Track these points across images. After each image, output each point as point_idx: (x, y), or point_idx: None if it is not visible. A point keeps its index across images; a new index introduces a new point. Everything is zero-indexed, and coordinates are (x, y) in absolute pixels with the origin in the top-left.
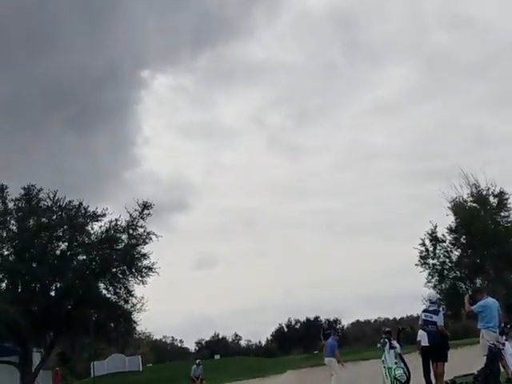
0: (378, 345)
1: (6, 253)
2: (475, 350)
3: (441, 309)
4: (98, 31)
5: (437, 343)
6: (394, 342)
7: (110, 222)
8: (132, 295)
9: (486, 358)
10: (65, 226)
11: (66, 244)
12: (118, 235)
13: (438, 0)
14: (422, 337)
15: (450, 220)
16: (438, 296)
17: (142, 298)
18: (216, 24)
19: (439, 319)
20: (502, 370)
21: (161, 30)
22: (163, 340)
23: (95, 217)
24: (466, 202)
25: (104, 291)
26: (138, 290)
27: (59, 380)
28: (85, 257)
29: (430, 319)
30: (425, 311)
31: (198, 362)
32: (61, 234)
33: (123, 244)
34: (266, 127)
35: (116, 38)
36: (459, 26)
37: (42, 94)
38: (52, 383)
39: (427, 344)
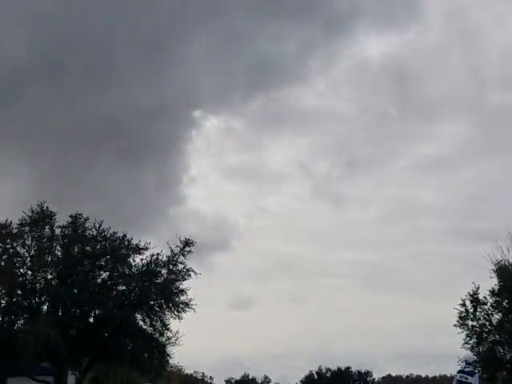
0: None
1: (49, 277)
2: None
3: (476, 371)
4: (153, 68)
5: None
6: None
7: (152, 255)
8: (167, 329)
9: None
10: (107, 256)
11: (108, 273)
12: (158, 269)
13: (496, 56)
14: None
15: (493, 283)
16: (475, 358)
17: (177, 332)
18: (271, 68)
19: (475, 381)
20: None
21: (216, 71)
22: (194, 375)
23: (138, 249)
24: (511, 265)
25: (141, 322)
26: (173, 324)
27: None
28: (124, 287)
29: (464, 380)
30: (460, 372)
31: None
32: (103, 263)
33: (162, 278)
34: (312, 175)
35: (171, 77)
36: None
37: (95, 128)
38: None
39: None
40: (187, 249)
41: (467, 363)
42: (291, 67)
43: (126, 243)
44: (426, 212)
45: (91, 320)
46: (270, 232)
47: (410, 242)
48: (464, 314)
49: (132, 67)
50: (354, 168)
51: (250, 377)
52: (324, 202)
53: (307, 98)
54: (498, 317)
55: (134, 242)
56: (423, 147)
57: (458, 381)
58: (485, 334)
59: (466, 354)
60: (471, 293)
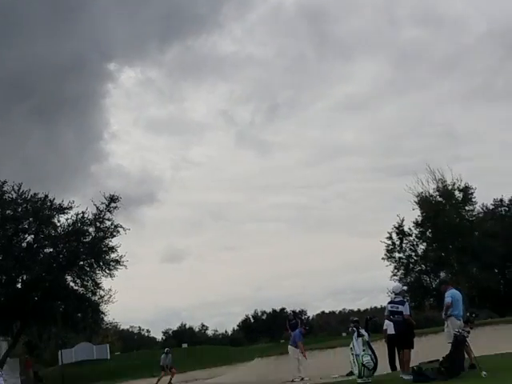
0: (343, 334)
1: None
2: (439, 338)
3: (406, 300)
4: (62, 22)
5: (403, 332)
6: (362, 331)
7: (77, 214)
8: (100, 287)
9: (451, 345)
10: (30, 219)
11: (33, 236)
12: (85, 228)
13: None
14: (389, 326)
15: (417, 214)
16: (404, 288)
17: (110, 290)
18: (186, 16)
19: (405, 309)
20: (466, 356)
21: (127, 22)
22: (130, 330)
23: (61, 209)
24: (432, 196)
25: (71, 284)
26: (105, 282)
27: (29, 366)
28: (51, 249)
29: (396, 309)
30: (391, 302)
31: (166, 350)
32: (26, 226)
33: (90, 237)
34: (235, 122)
35: (81, 30)
36: (430, 22)
37: (3, 89)
38: (23, 369)
39: (393, 333)
40: (113, 205)
41: (396, 294)
42: (206, 14)
43: (49, 204)
44: (350, 152)
45: (19, 286)
46: (197, 182)
47: (335, 182)
48: (391, 247)
49: (39, 22)
50: (275, 113)
51: (187, 326)
52: (249, 149)
53: (224, 44)
54: (422, 247)
55: (57, 201)
56: (343, 87)
57: (390, 311)
58: (411, 265)
59: (395, 285)
60: (397, 226)
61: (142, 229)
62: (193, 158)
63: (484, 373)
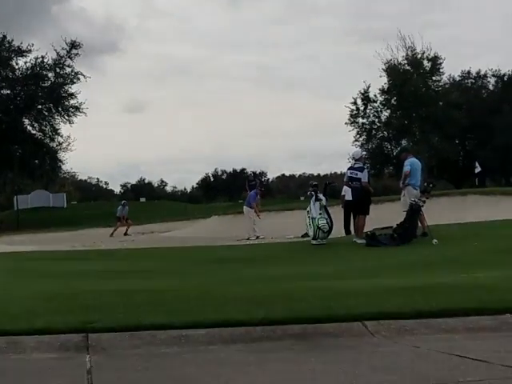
0: (302, 197)
1: None
2: (395, 207)
3: (365, 166)
4: None
5: (360, 198)
6: (321, 195)
7: (36, 58)
8: (58, 134)
9: (405, 213)
10: None
11: None
12: (45, 73)
13: None
14: (346, 192)
15: (383, 81)
16: (363, 154)
17: (69, 137)
18: None
19: (363, 176)
20: (419, 224)
21: None
22: (88, 181)
23: (20, 52)
24: (400, 64)
25: (29, 128)
26: (64, 129)
27: None
28: (9, 91)
29: (354, 176)
30: (350, 168)
31: (123, 202)
32: None
33: (50, 82)
34: None
35: None
36: None
37: None
38: None
39: (350, 199)
40: (74, 51)
41: (356, 160)
42: None
43: (7, 45)
44: (322, 12)
45: None
46: (163, 34)
47: (305, 42)
48: (355, 112)
49: None
50: None
51: (146, 181)
52: (218, 1)
53: None
54: (386, 114)
55: (16, 43)
56: None
57: (349, 177)
58: (374, 131)
59: (355, 151)
60: (362, 91)
61: (104, 78)
62: (159, 6)
63: (435, 240)
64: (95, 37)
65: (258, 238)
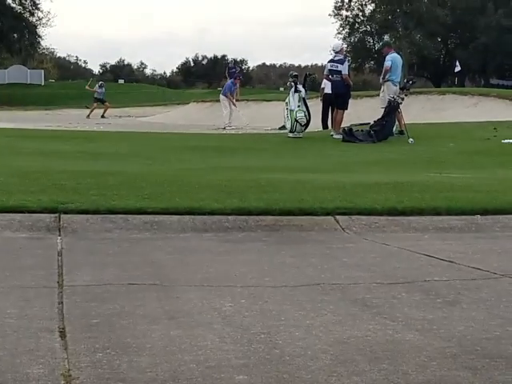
0: (281, 88)
1: None
2: (373, 103)
3: (346, 59)
4: None
5: (339, 92)
6: (300, 87)
7: None
8: (38, 8)
9: (383, 110)
10: None
11: None
12: None
13: None
14: (326, 85)
15: None
16: (344, 46)
17: (49, 13)
18: None
19: (344, 68)
20: (396, 122)
21: None
22: (67, 59)
23: None
24: None
25: (9, 0)
26: (45, 4)
27: None
28: None
29: (335, 68)
30: (330, 61)
31: (100, 83)
32: None
33: None
34: None
35: None
36: None
37: None
38: None
39: (330, 92)
40: None
41: (336, 52)
42: None
43: None
44: None
45: None
46: None
47: None
48: (339, 4)
49: None
50: None
51: (126, 63)
52: None
53: None
54: (371, 8)
55: None
56: None
57: (329, 70)
58: (357, 25)
59: (335, 43)
60: None
61: None
62: None
63: (411, 139)
64: None
65: (231, 127)
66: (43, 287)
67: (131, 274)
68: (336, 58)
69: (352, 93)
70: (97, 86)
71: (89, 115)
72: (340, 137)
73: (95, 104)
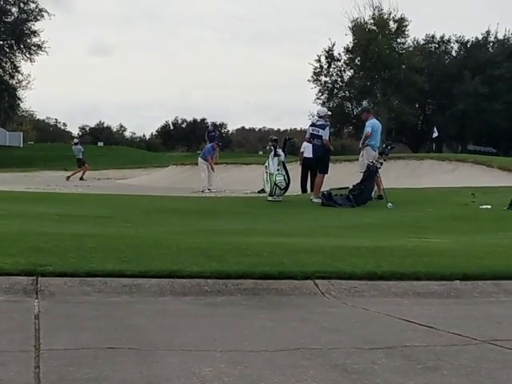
0: (260, 152)
1: None
2: (352, 167)
3: (327, 124)
4: None
5: (320, 156)
6: (279, 151)
7: None
8: (18, 71)
9: (362, 174)
10: None
11: None
12: (8, 7)
13: None
14: (306, 148)
15: (349, 40)
16: (328, 113)
17: (29, 75)
18: None
19: (325, 134)
20: (375, 187)
21: None
22: (46, 121)
23: None
24: (366, 23)
25: None
26: (25, 67)
27: None
28: None
29: (316, 133)
30: (312, 125)
31: (75, 141)
32: None
33: (13, 17)
34: None
35: None
36: None
37: None
38: None
39: (310, 156)
40: None
41: (319, 117)
42: None
43: None
44: None
45: None
46: None
47: None
48: (318, 70)
49: None
50: None
51: (106, 125)
52: None
53: None
54: (349, 74)
55: None
56: None
57: (311, 134)
58: (336, 90)
59: (320, 108)
60: (327, 49)
61: (71, 16)
62: None
63: (390, 204)
64: None
65: (210, 190)
66: (19, 351)
67: (109, 338)
68: (318, 123)
69: (331, 157)
70: (76, 146)
71: (69, 177)
72: (319, 201)
73: (78, 168)
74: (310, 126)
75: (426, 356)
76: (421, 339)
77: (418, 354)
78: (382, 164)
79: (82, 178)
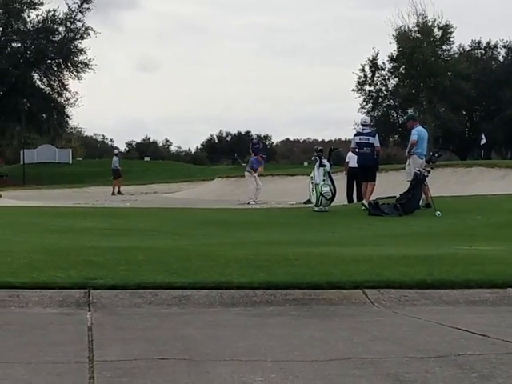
0: (305, 163)
1: None
2: (399, 176)
3: (376, 132)
4: None
5: (369, 164)
6: (325, 161)
7: (48, 12)
8: (66, 89)
9: (410, 183)
10: (0, 10)
11: (1, 29)
12: (55, 27)
13: None
14: (351, 158)
15: (393, 49)
16: (370, 121)
17: (77, 93)
18: None
19: (376, 141)
20: (423, 195)
21: None
22: (94, 137)
23: (32, 4)
24: (410, 31)
25: (38, 82)
26: (73, 84)
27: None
28: (19, 45)
29: (366, 141)
30: (359, 134)
31: (115, 152)
32: None
33: (60, 36)
34: None
35: None
36: None
37: None
38: None
39: (355, 166)
40: (85, 6)
41: (365, 125)
42: None
43: None
44: None
45: None
46: None
47: (316, 6)
48: (362, 80)
49: None
50: None
51: (151, 140)
52: None
53: None
54: (394, 82)
55: None
56: None
57: (358, 143)
58: (380, 99)
59: (364, 117)
60: (371, 58)
61: (119, 34)
62: None
63: (438, 212)
64: None
65: (255, 202)
66: (74, 362)
67: (161, 349)
68: (365, 131)
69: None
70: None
71: (114, 191)
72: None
73: (115, 180)
74: (356, 135)
75: (481, 365)
76: (474, 348)
77: (471, 363)
78: (429, 172)
79: (119, 193)
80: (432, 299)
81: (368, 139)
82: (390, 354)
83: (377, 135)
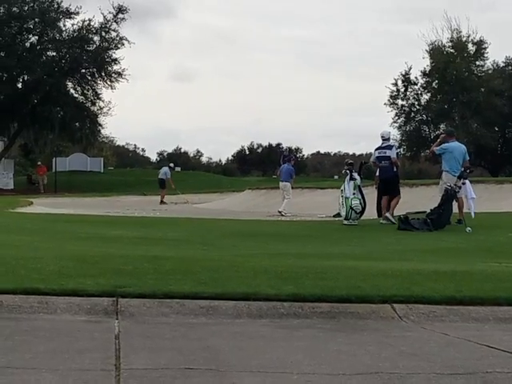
0: (336, 176)
1: None
2: (430, 191)
3: (394, 145)
4: None
5: (388, 177)
6: (355, 174)
7: (83, 21)
8: (99, 98)
9: (440, 198)
10: (36, 19)
11: (37, 38)
12: (90, 36)
13: None
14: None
15: (426, 63)
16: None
17: (110, 102)
18: None
19: (392, 153)
20: (455, 210)
21: None
22: (126, 147)
23: (68, 14)
24: (444, 46)
25: (72, 91)
26: (106, 94)
27: (43, 172)
28: (54, 53)
29: (383, 155)
30: (378, 149)
31: (171, 164)
32: (32, 26)
33: (94, 46)
34: None
35: None
36: None
37: None
38: (35, 175)
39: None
40: (120, 16)
41: (384, 139)
42: None
43: (56, 6)
44: None
45: (20, 86)
46: (213, 2)
47: (351, 19)
48: (395, 94)
49: None
50: None
51: (183, 150)
52: None
53: None
54: (426, 97)
55: (64, 5)
56: None
57: (378, 157)
58: (413, 114)
59: (383, 130)
60: (403, 73)
61: (156, 44)
62: None
63: (468, 228)
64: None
65: (285, 214)
66: (101, 370)
67: (188, 359)
68: (383, 145)
69: (407, 181)
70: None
71: (162, 200)
72: (388, 222)
73: (164, 190)
74: (376, 149)
75: (509, 382)
76: (503, 365)
77: (500, 381)
78: (460, 188)
79: (162, 202)
80: (461, 316)
81: (385, 152)
82: (417, 370)
83: (394, 147)
